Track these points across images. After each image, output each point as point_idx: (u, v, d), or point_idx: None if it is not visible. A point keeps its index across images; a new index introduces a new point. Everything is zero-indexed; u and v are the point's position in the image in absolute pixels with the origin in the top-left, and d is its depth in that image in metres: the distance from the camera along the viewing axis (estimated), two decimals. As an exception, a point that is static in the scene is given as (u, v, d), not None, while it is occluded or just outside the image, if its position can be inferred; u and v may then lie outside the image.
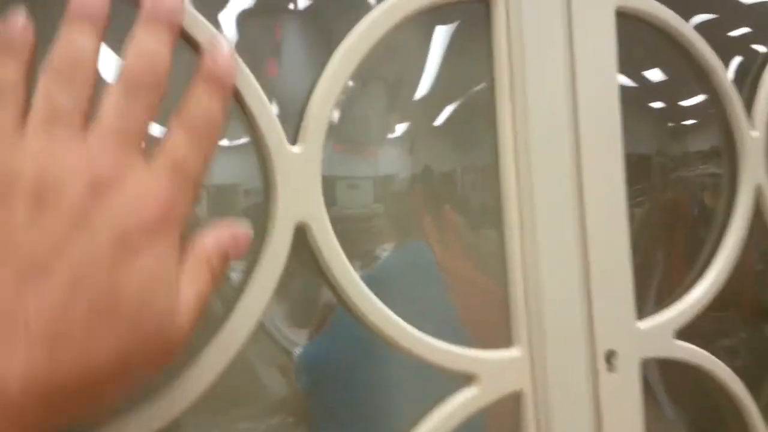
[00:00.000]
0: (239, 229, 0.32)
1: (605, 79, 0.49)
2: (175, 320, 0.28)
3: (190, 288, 0.29)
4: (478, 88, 0.49)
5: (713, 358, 0.56)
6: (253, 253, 0.37)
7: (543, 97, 0.46)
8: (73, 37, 0.28)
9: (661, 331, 0.53)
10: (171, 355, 0.29)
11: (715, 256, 0.58)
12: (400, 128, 0.49)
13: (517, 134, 0.46)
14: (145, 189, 0.28)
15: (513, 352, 0.47)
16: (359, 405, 0.49)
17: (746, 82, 0.63)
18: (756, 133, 0.59)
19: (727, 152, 0.60)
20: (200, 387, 0.35)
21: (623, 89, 0.50)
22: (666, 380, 0.63)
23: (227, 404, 0.42)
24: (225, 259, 0.31)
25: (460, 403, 0.45)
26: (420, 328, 0.44)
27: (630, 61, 0.53)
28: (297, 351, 0.45)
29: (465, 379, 0.46)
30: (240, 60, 0.35)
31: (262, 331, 0.42)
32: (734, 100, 0.58)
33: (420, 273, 0.51)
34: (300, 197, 0.37)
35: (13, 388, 0.25)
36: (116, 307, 0.26)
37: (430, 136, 0.50)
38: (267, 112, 0.36)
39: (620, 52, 0.50)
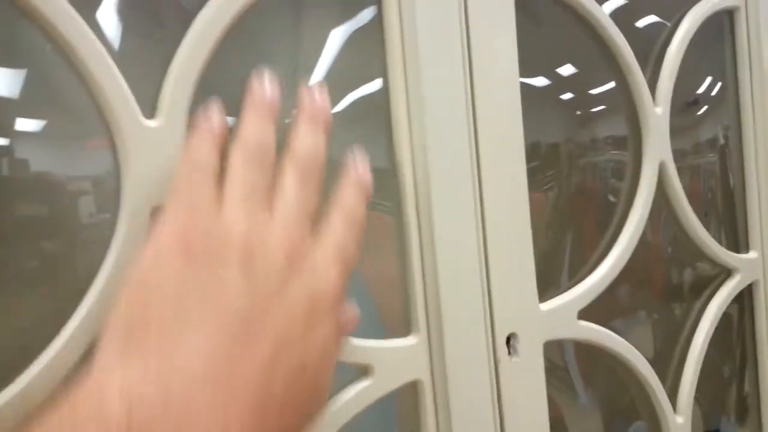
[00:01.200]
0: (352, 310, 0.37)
1: (505, 69, 0.47)
2: (327, 384, 0.32)
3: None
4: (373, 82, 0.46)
5: (618, 337, 0.55)
6: (100, 243, 0.33)
7: (439, 78, 0.44)
8: (258, 125, 0.32)
9: (564, 312, 0.51)
10: (323, 407, 0.33)
11: (620, 237, 0.57)
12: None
13: (412, 120, 0.43)
14: (323, 272, 0.31)
15: (410, 341, 0.44)
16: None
17: (649, 62, 0.63)
18: (659, 110, 0.59)
19: (633, 132, 0.60)
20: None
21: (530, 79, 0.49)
22: (582, 364, 0.62)
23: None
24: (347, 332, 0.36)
25: (355, 394, 0.42)
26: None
27: (535, 48, 0.51)
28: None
29: (360, 370, 0.43)
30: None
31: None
32: (638, 78, 0.57)
33: None
34: (157, 178, 0.33)
35: None
36: (306, 370, 0.29)
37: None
38: (115, 78, 0.32)
39: (524, 40, 0.48)
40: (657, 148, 0.58)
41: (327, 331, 0.30)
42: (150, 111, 0.34)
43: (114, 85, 0.32)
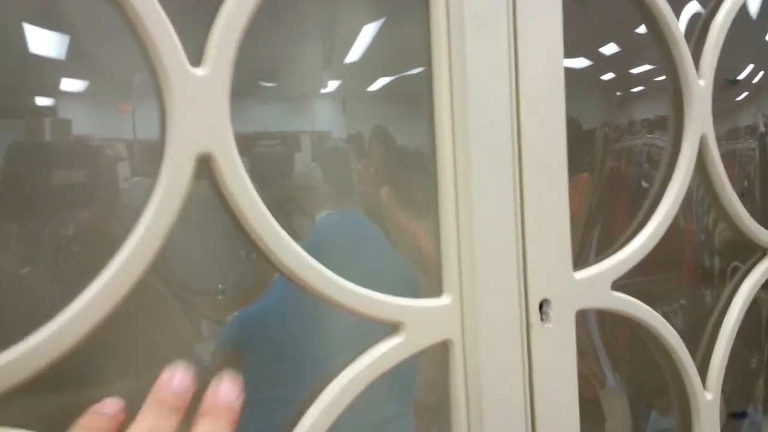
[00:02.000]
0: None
1: (549, 43, 0.46)
2: None
3: None
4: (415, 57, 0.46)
5: (649, 308, 0.55)
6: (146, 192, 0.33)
7: (483, 55, 0.43)
8: (156, 420, 0.31)
9: (598, 281, 0.51)
10: None
11: (657, 208, 0.57)
12: (333, 85, 0.46)
13: (454, 92, 0.43)
14: None
15: (443, 300, 0.45)
16: (289, 357, 0.47)
17: (692, 37, 0.62)
18: (702, 82, 0.58)
19: (675, 108, 0.59)
20: (87, 326, 0.32)
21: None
22: (609, 347, 0.62)
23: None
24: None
25: (386, 351, 0.42)
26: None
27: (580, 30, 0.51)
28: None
29: (392, 328, 0.44)
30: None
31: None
32: (683, 49, 0.56)
33: (358, 239, 0.48)
34: (202, 125, 0.34)
35: None
36: None
37: (364, 99, 0.47)
38: (163, 25, 0.33)
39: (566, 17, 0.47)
40: (699, 121, 0.57)
41: None
42: (196, 59, 0.34)
43: (163, 32, 0.33)
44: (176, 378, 0.32)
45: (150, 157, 0.36)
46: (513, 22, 0.44)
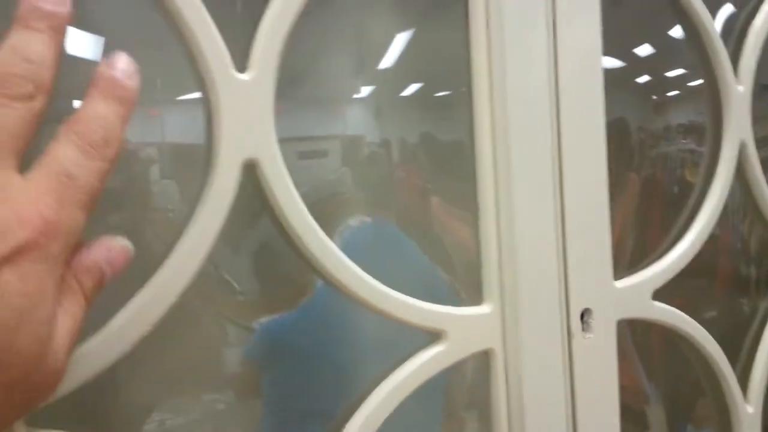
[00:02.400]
0: (115, 242, 0.29)
1: (589, 53, 0.46)
2: (47, 356, 0.25)
3: (63, 315, 0.26)
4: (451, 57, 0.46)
5: (690, 319, 0.54)
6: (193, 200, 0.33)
7: (523, 58, 0.43)
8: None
9: (638, 291, 0.50)
10: (49, 390, 0.26)
11: (696, 217, 0.56)
12: (366, 91, 0.45)
13: (494, 98, 0.43)
14: (13, 209, 0.24)
15: (483, 309, 0.44)
16: (320, 369, 0.46)
17: (730, 40, 0.61)
18: (741, 88, 0.57)
19: (713, 113, 0.58)
20: (135, 334, 0.31)
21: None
22: (640, 344, 0.61)
23: (188, 376, 0.40)
24: (98, 277, 0.28)
25: (427, 359, 0.42)
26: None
27: (616, 31, 0.50)
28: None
29: (433, 336, 0.43)
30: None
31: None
32: (721, 53, 0.55)
33: (387, 247, 0.48)
34: (248, 131, 0.34)
35: None
36: None
37: (399, 104, 0.47)
38: (210, 30, 0.33)
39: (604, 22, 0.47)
40: (738, 127, 0.56)
41: (11, 284, 0.24)
42: (241, 64, 0.34)
43: (209, 38, 0.33)
44: None
45: (179, 160, 0.37)
46: (552, 23, 0.44)
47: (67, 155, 0.25)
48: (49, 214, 0.24)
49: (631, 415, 0.60)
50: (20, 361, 0.24)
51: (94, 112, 0.26)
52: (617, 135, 0.55)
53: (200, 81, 0.33)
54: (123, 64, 0.27)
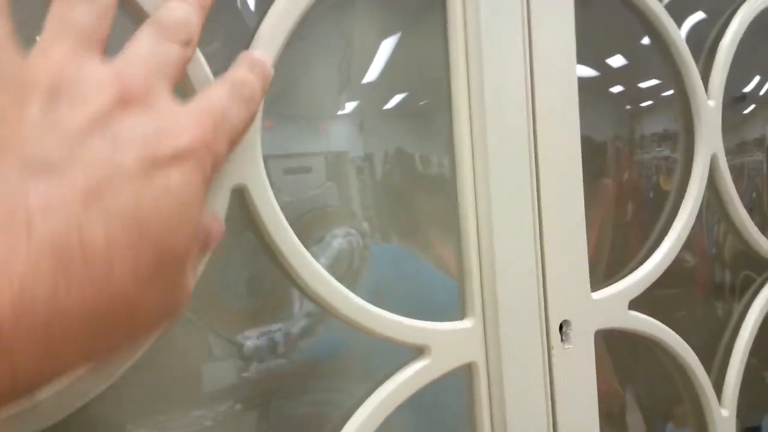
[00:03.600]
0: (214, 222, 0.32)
1: (563, 61, 0.47)
2: (188, 266, 0.26)
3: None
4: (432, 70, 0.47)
5: (666, 328, 0.56)
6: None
7: (500, 71, 0.44)
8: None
9: (615, 301, 0.52)
10: (179, 307, 0.26)
11: (671, 228, 0.58)
12: (350, 107, 0.47)
13: (472, 109, 0.44)
14: (178, 120, 0.26)
15: (466, 324, 0.45)
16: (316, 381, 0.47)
17: (701, 56, 0.63)
18: (712, 102, 0.59)
19: (684, 126, 0.60)
20: (126, 361, 0.32)
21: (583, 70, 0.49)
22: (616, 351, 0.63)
23: (175, 393, 0.41)
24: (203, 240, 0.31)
25: (412, 374, 0.43)
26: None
27: (590, 41, 0.52)
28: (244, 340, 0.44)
29: (417, 351, 0.44)
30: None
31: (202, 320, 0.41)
32: (692, 70, 0.57)
33: (404, 271, 0.49)
34: (237, 158, 0.35)
35: (5, 309, 0.19)
36: (138, 228, 0.23)
37: (381, 117, 0.48)
38: (201, 66, 0.34)
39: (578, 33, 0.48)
40: (709, 141, 0.58)
41: (180, 188, 0.24)
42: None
43: (198, 68, 0.34)
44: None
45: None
46: (528, 34, 0.45)
47: (222, 97, 0.28)
48: (207, 134, 0.26)
49: (610, 421, 0.62)
50: (175, 261, 0.25)
51: (243, 74, 0.30)
52: (592, 143, 0.57)
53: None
54: (257, 53, 0.33)
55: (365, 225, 0.47)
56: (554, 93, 0.47)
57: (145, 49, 0.26)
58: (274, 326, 0.44)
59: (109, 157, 0.23)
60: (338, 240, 0.45)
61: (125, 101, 0.24)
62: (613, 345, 0.60)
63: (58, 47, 0.24)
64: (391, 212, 0.48)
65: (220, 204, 0.34)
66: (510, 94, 0.45)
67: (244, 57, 0.32)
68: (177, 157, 0.24)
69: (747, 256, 0.68)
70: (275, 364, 0.44)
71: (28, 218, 0.20)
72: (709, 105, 0.58)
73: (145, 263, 0.23)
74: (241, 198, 0.36)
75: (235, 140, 0.29)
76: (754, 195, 0.73)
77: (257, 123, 0.35)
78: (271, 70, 0.32)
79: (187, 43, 0.28)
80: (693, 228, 0.59)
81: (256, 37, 0.36)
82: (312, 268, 0.39)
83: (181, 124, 0.25)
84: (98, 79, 0.24)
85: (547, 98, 0.46)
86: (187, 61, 0.28)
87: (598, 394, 0.50)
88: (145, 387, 0.38)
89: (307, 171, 0.45)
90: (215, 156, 0.27)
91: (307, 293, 0.39)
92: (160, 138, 0.24)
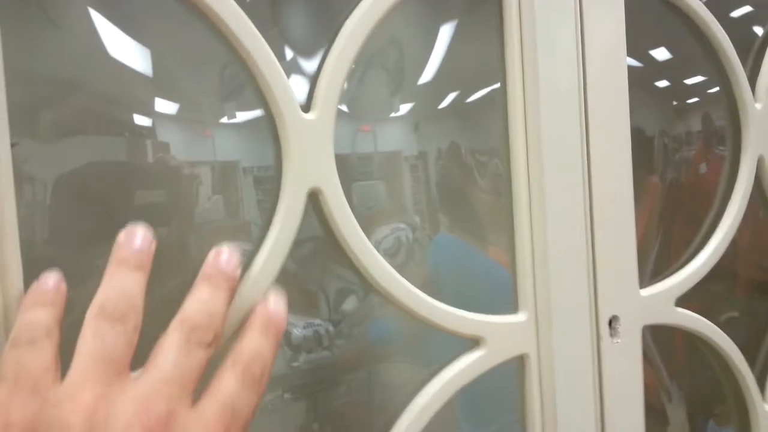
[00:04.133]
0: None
1: (614, 58, 0.50)
2: None
3: None
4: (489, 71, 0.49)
5: (712, 325, 0.57)
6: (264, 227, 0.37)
7: (554, 66, 0.47)
8: (123, 280, 0.28)
9: (662, 298, 0.54)
10: None
11: (717, 227, 0.59)
12: (405, 108, 0.49)
13: (527, 106, 0.47)
14: (202, 428, 0.28)
15: (519, 317, 0.48)
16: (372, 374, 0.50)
17: (748, 58, 0.64)
18: (759, 105, 0.60)
19: (731, 126, 0.61)
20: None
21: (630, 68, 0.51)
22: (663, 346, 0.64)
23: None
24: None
25: (468, 363, 0.46)
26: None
27: (638, 40, 0.53)
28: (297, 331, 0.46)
29: (473, 342, 0.47)
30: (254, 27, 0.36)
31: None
32: (739, 74, 0.59)
33: (462, 260, 0.52)
34: (313, 163, 0.38)
35: None
36: None
37: (438, 117, 0.50)
38: (282, 79, 0.37)
39: (628, 32, 0.50)
40: (756, 143, 0.60)
41: None
42: (306, 105, 0.39)
43: (280, 83, 0.37)
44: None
45: (228, 177, 0.41)
46: (581, 30, 0.48)
47: (232, 389, 0.29)
48: None
49: (654, 413, 0.63)
50: None
51: (255, 347, 0.31)
52: (640, 139, 0.59)
53: (271, 121, 0.38)
54: (274, 299, 0.33)
55: (417, 218, 0.50)
56: (606, 87, 0.49)
57: (172, 364, 0.28)
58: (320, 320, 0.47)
59: None
60: (396, 234, 0.48)
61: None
62: (662, 340, 0.62)
63: (89, 388, 0.26)
64: (447, 209, 0.51)
65: (296, 207, 0.38)
66: (563, 89, 0.47)
67: (258, 315, 0.32)
68: None
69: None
70: (323, 355, 0.46)
71: None
72: (756, 107, 0.60)
73: None
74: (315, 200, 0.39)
75: (247, 427, 0.30)
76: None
77: (330, 131, 0.39)
78: (284, 323, 0.32)
79: (210, 345, 0.29)
80: (741, 227, 0.60)
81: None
82: (380, 265, 0.42)
83: None
84: (126, 420, 0.26)
85: (598, 92, 0.48)
86: (209, 360, 0.29)
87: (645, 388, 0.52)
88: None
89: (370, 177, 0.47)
90: None
91: (375, 288, 0.42)
92: None
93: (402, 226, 0.49)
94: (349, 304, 0.47)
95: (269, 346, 0.31)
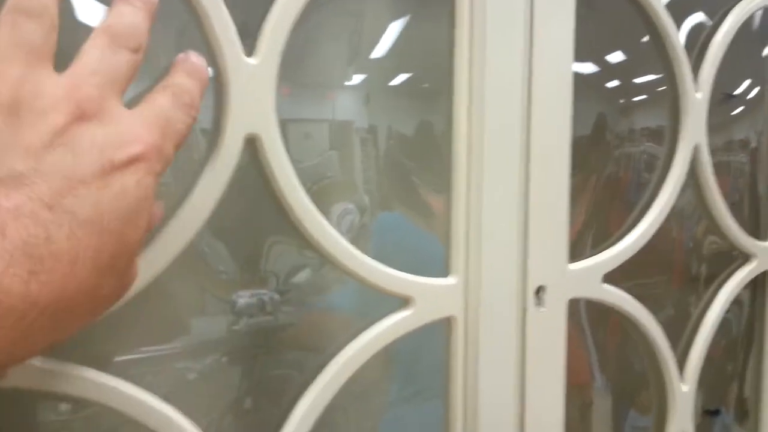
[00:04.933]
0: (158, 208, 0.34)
1: (561, 48, 0.51)
2: (137, 252, 0.29)
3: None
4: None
5: (636, 302, 0.60)
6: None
7: (502, 59, 0.48)
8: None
9: (590, 273, 0.56)
10: (129, 286, 0.30)
11: (650, 208, 0.61)
12: (357, 79, 0.50)
13: (473, 84, 0.48)
14: (130, 129, 0.28)
15: (449, 280, 0.49)
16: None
17: (692, 52, 0.66)
18: (700, 95, 0.62)
19: (672, 118, 0.63)
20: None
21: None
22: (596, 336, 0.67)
23: (162, 339, 0.44)
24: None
25: (395, 322, 0.47)
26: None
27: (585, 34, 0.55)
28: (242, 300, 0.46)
29: (401, 302, 0.48)
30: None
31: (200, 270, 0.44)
32: (683, 63, 0.61)
33: (403, 236, 0.53)
34: (253, 108, 0.38)
35: None
36: (99, 227, 0.26)
37: (387, 93, 0.51)
38: (225, 20, 0.37)
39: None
40: (694, 131, 0.62)
41: (134, 188, 0.27)
42: (249, 50, 0.39)
43: (224, 27, 0.37)
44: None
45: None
46: (530, 26, 0.49)
47: (164, 104, 0.30)
48: (156, 139, 0.29)
49: (580, 393, 0.66)
50: (127, 253, 0.28)
51: (182, 82, 0.31)
52: (590, 134, 0.61)
53: (213, 63, 0.38)
54: (195, 57, 0.33)
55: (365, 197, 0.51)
56: (550, 76, 0.50)
57: (98, 59, 0.28)
58: (266, 288, 0.47)
59: (70, 166, 0.26)
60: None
61: (81, 114, 0.27)
62: (596, 324, 0.65)
63: (13, 66, 0.26)
64: (391, 181, 0.52)
65: (232, 151, 0.38)
66: (510, 76, 0.48)
67: (182, 61, 0.32)
68: (131, 163, 0.27)
69: (723, 251, 0.72)
70: (264, 320, 0.47)
71: (2, 223, 0.24)
72: (696, 96, 0.62)
73: (105, 256, 0.27)
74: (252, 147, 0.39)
75: (179, 143, 0.31)
76: (737, 194, 0.77)
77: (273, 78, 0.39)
78: (207, 75, 0.33)
79: (136, 50, 0.29)
80: (676, 221, 0.62)
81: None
82: (315, 218, 0.42)
83: (133, 132, 0.28)
84: (55, 95, 0.26)
85: (543, 81, 0.50)
86: (137, 67, 0.29)
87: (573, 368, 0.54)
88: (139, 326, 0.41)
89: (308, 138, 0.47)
90: (165, 159, 0.29)
91: (309, 242, 0.43)
92: (115, 146, 0.27)
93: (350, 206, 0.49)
94: (287, 263, 0.48)
95: (194, 84, 0.32)
